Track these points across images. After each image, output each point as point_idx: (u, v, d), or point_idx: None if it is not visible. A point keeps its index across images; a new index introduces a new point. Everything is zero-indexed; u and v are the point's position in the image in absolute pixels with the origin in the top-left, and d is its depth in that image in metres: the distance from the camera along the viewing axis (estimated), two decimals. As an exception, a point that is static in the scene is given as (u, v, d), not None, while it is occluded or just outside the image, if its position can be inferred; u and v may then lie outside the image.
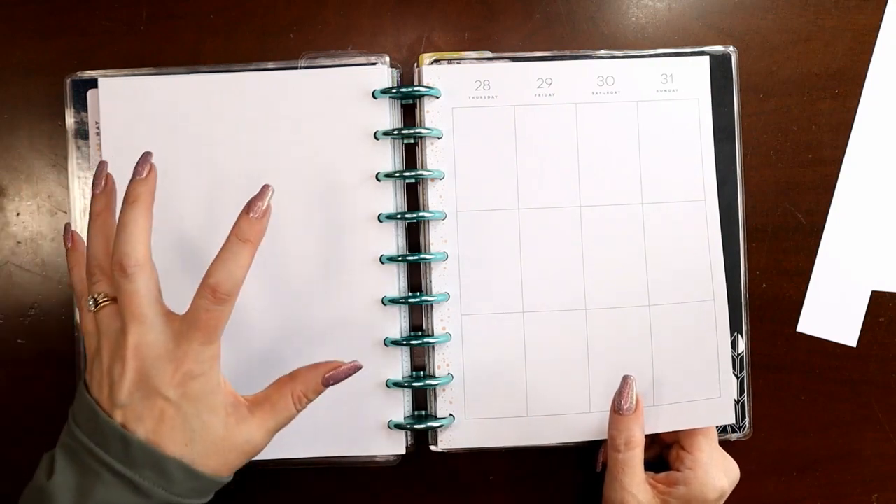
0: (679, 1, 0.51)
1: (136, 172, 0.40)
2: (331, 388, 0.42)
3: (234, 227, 0.39)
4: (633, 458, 0.44)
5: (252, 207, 0.39)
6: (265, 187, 0.39)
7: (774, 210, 0.50)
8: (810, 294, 0.51)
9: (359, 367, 0.41)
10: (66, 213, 0.50)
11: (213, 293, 0.38)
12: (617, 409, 0.45)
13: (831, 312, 0.50)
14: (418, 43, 0.50)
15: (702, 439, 0.47)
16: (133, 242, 0.38)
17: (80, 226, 0.49)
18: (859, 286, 0.51)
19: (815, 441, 0.51)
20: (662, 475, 0.47)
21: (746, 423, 0.49)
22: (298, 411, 0.41)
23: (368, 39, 0.50)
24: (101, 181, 0.41)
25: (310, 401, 0.41)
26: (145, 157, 0.41)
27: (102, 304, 0.39)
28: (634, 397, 0.45)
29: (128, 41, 0.50)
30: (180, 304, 0.40)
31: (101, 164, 0.42)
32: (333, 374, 0.41)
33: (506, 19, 0.51)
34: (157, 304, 0.39)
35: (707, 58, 0.48)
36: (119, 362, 0.38)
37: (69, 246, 0.43)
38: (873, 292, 0.51)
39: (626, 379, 0.45)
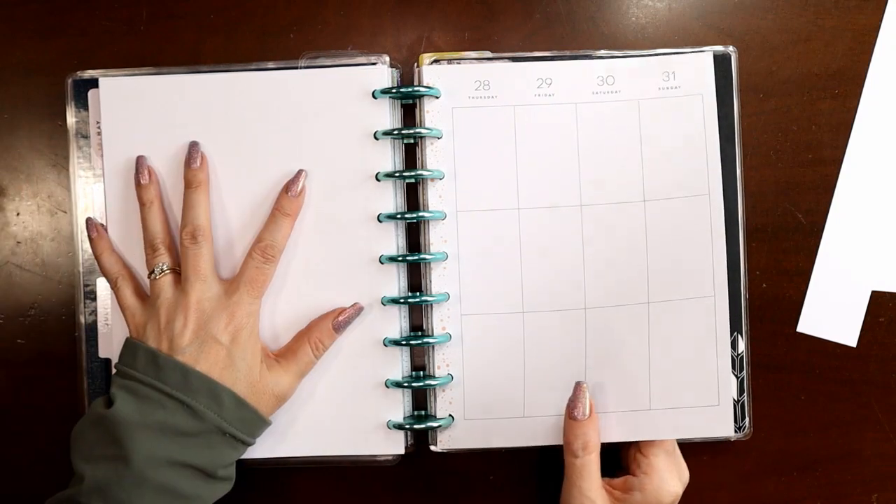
0: (679, 1, 0.51)
1: (190, 161, 0.47)
2: (331, 388, 0.45)
3: (276, 203, 0.47)
4: (591, 462, 0.45)
5: (290, 188, 0.46)
6: (300, 171, 0.47)
7: (774, 210, 0.50)
8: (810, 294, 0.51)
9: (361, 309, 0.47)
10: (66, 212, 0.51)
11: (263, 253, 0.46)
12: (571, 415, 0.45)
13: (831, 312, 0.50)
14: (418, 43, 0.50)
15: (658, 444, 0.47)
16: (201, 217, 0.46)
17: (82, 225, 0.49)
18: (859, 286, 0.51)
19: (815, 441, 0.51)
20: (619, 480, 0.47)
21: (746, 423, 0.49)
22: (317, 357, 0.47)
23: (368, 39, 0.50)
24: (145, 173, 0.47)
25: (325, 347, 0.47)
26: (194, 146, 0.47)
27: (165, 273, 0.46)
28: (588, 403, 0.45)
29: (128, 41, 0.50)
30: None
31: (140, 159, 0.47)
32: (340, 320, 0.46)
33: (506, 19, 0.51)
34: (214, 267, 0.46)
35: (711, 53, 0.48)
36: (181, 316, 0.44)
37: (94, 235, 0.48)
38: (873, 292, 0.51)
39: (578, 385, 0.46)
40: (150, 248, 0.46)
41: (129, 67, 0.49)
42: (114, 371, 0.46)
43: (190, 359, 0.43)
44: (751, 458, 0.51)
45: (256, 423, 0.44)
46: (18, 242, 0.51)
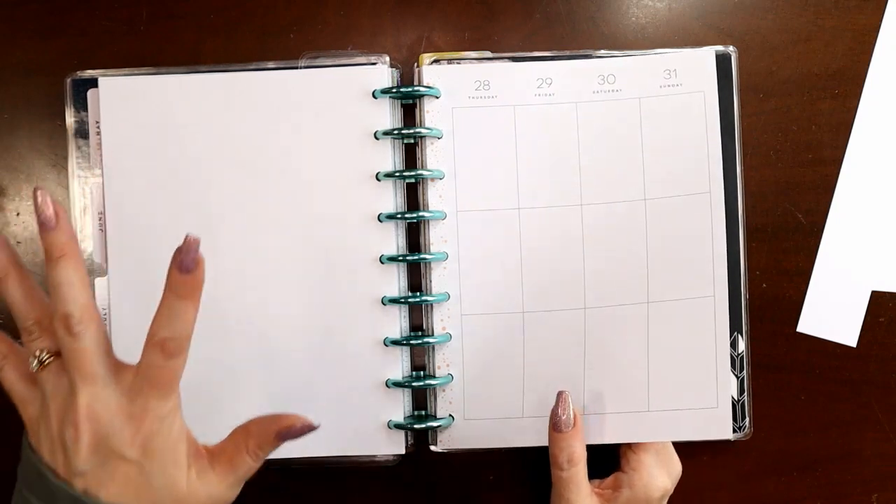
0: (679, 1, 0.51)
1: (44, 224, 0.36)
2: (331, 388, 0.44)
3: (167, 282, 0.36)
4: (577, 473, 0.44)
5: (181, 263, 0.36)
6: (188, 239, 0.36)
7: (774, 210, 0.50)
8: (810, 294, 0.51)
9: (314, 427, 0.38)
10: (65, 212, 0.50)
11: (163, 350, 0.36)
12: (555, 427, 0.44)
13: (831, 312, 0.50)
14: (418, 43, 0.50)
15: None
16: (73, 298, 0.36)
17: (81, 224, 0.49)
18: (859, 286, 0.51)
19: (815, 441, 0.51)
20: (608, 479, 0.47)
21: (746, 423, 0.49)
22: (258, 463, 0.39)
23: (368, 39, 0.50)
24: (51, 211, 0.36)
25: (266, 454, 0.38)
26: (40, 197, 0.36)
27: (46, 362, 0.37)
28: (572, 413, 0.44)
29: (128, 41, 0.50)
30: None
31: (37, 191, 0.37)
32: (288, 431, 0.38)
33: (506, 19, 0.51)
34: (107, 358, 0.36)
35: (712, 51, 0.48)
36: (71, 427, 0.35)
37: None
38: (873, 292, 0.50)
39: (561, 394, 0.45)
40: (25, 332, 0.37)
41: (128, 67, 0.49)
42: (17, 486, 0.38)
43: (93, 483, 0.35)
44: (751, 458, 0.51)
45: None
46: (18, 242, 0.51)
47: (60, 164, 0.51)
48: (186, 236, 0.36)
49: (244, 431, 0.38)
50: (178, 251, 0.36)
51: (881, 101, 0.50)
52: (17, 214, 0.51)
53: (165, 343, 0.36)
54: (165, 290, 0.36)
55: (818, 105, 0.51)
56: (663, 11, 0.51)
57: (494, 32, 0.50)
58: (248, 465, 0.38)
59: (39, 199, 0.36)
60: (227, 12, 0.51)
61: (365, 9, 0.51)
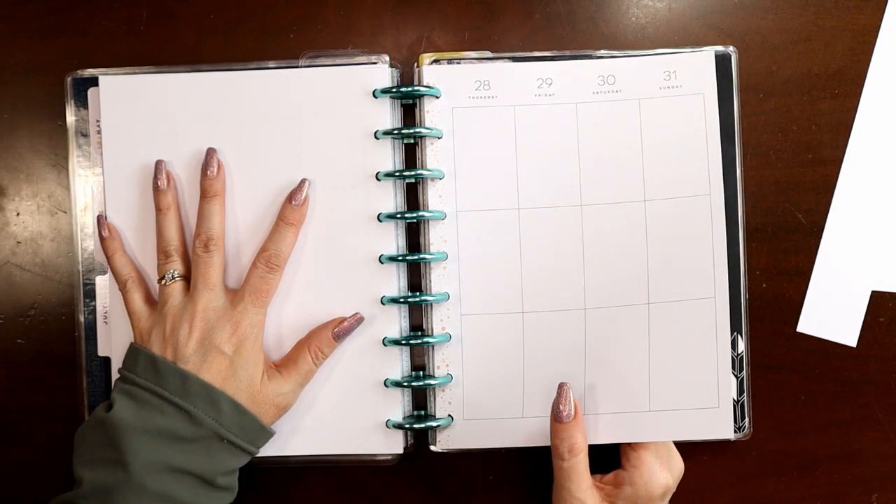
0: (679, 1, 0.51)
1: (206, 168, 0.47)
2: (331, 387, 0.46)
3: (280, 212, 0.47)
4: (578, 464, 0.45)
5: (294, 197, 0.46)
6: (303, 181, 0.47)
7: (774, 210, 0.50)
8: (810, 294, 0.51)
9: (361, 319, 0.47)
10: (66, 212, 0.51)
11: (267, 262, 0.46)
12: (556, 417, 0.45)
13: (831, 312, 0.50)
14: (418, 43, 0.50)
15: None
16: (215, 227, 0.46)
17: (83, 222, 0.49)
18: (859, 286, 0.50)
19: (815, 441, 0.51)
20: (609, 476, 0.47)
21: (746, 423, 0.49)
22: (317, 365, 0.47)
23: (368, 39, 0.51)
24: (163, 177, 0.47)
25: (325, 355, 0.47)
26: (211, 153, 0.47)
27: (175, 280, 0.46)
28: (572, 404, 0.45)
29: (128, 41, 0.50)
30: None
31: (160, 163, 0.47)
32: (340, 329, 0.46)
33: (506, 19, 0.51)
34: (223, 277, 0.46)
35: (712, 52, 0.48)
36: (186, 324, 0.44)
37: (106, 235, 0.47)
38: (873, 292, 0.50)
39: (562, 386, 0.45)
40: (162, 253, 0.47)
41: (128, 67, 0.49)
42: (116, 376, 0.46)
43: (193, 367, 0.43)
44: (751, 458, 0.51)
45: (256, 430, 0.44)
46: (18, 242, 0.51)
47: (60, 164, 0.51)
48: (302, 179, 0.47)
49: (306, 339, 0.47)
50: (294, 190, 0.46)
51: (881, 101, 0.50)
52: (17, 214, 0.51)
53: (271, 257, 0.46)
54: (278, 218, 0.47)
55: (818, 105, 0.51)
56: (663, 11, 0.51)
57: (494, 32, 0.50)
58: (310, 366, 0.46)
59: (209, 157, 0.47)
60: (227, 12, 0.51)
61: (365, 9, 0.51)
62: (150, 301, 0.47)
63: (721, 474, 0.51)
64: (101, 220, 0.47)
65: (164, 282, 0.46)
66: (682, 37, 0.50)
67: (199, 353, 0.44)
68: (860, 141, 0.50)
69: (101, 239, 0.47)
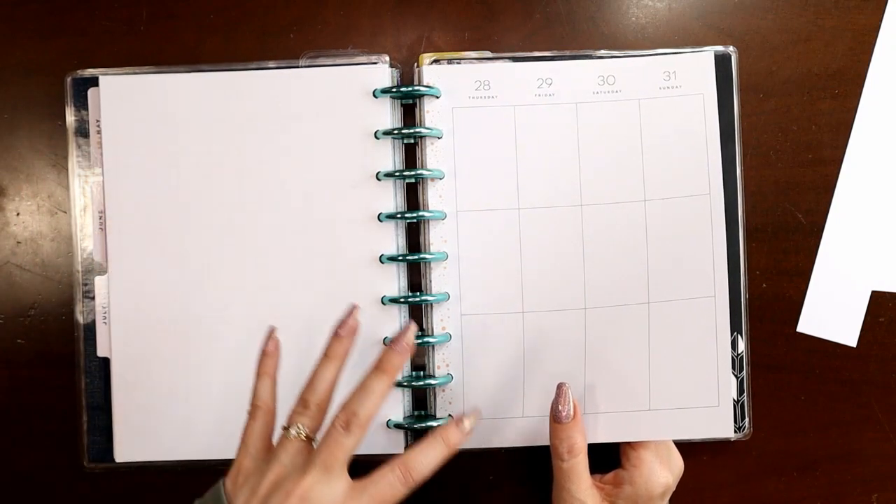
0: (679, 1, 0.51)
1: (395, 344, 0.42)
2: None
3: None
4: (578, 464, 0.44)
5: (344, 328, 0.42)
6: (354, 308, 0.43)
7: (774, 210, 0.50)
8: (810, 294, 0.51)
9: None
10: (65, 212, 0.51)
11: (404, 477, 0.39)
12: (556, 418, 0.45)
13: (831, 312, 0.50)
14: (418, 43, 0.50)
15: None
16: (369, 405, 0.40)
17: (81, 223, 0.49)
18: (859, 286, 0.51)
19: (815, 441, 0.51)
20: (609, 475, 0.47)
21: (746, 423, 0.49)
22: (406, 486, 0.40)
23: (368, 39, 0.51)
24: (349, 324, 0.43)
25: (417, 481, 0.40)
26: (353, 317, 0.43)
27: (300, 436, 0.41)
28: (572, 404, 0.45)
29: (128, 41, 0.50)
30: (178, 296, 0.43)
31: (353, 308, 0.43)
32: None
33: (506, 19, 0.51)
34: (346, 465, 0.40)
35: (711, 53, 0.49)
36: (282, 495, 0.38)
37: (269, 349, 0.44)
38: (873, 292, 0.50)
39: (561, 386, 0.45)
40: (301, 402, 0.42)
41: (128, 67, 0.49)
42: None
43: None
44: (751, 458, 0.51)
45: None
46: (18, 242, 0.51)
47: (60, 163, 0.51)
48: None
49: (394, 462, 0.40)
50: (388, 361, 0.41)
51: (881, 101, 0.50)
52: (17, 214, 0.51)
53: (350, 417, 0.40)
54: (374, 378, 0.41)
55: (818, 105, 0.51)
56: (663, 11, 0.51)
57: (494, 32, 0.50)
58: (396, 490, 0.40)
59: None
60: (227, 12, 0.51)
61: (365, 9, 0.51)
62: (266, 438, 0.42)
63: (721, 474, 0.51)
64: (271, 335, 0.43)
65: (287, 434, 0.41)
66: (682, 37, 0.50)
67: None
68: (860, 141, 0.50)
69: (263, 352, 0.43)
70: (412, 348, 0.42)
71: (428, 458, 0.40)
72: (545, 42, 0.50)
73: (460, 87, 0.48)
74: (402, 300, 0.47)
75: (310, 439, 0.41)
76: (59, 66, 0.50)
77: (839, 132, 0.50)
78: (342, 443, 0.39)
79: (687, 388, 0.48)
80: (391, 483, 0.39)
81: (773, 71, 0.50)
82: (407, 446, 0.48)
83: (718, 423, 0.48)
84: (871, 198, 0.50)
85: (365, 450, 0.47)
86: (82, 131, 0.49)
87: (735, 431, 0.48)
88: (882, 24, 0.51)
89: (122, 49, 0.50)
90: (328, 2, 0.51)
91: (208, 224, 0.48)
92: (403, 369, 0.48)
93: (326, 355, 0.42)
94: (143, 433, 0.48)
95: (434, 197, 0.48)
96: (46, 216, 0.51)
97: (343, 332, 0.42)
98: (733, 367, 0.48)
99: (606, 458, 0.48)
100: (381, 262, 0.47)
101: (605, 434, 0.48)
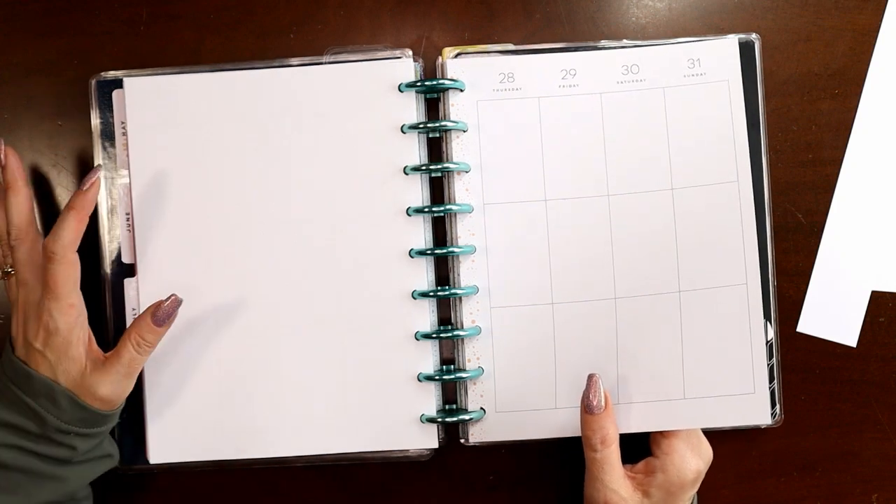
0: (679, 1, 0.51)
1: (82, 185, 0.44)
2: (364, 383, 0.47)
3: (70, 202, 0.44)
4: (611, 455, 0.45)
5: (84, 182, 0.44)
6: (95, 168, 0.45)
7: (774, 210, 0.50)
8: (810, 294, 0.51)
9: (180, 301, 0.45)
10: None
11: (45, 254, 0.43)
12: (587, 409, 0.45)
13: (831, 312, 0.50)
14: (418, 43, 0.50)
15: None
16: (13, 221, 0.45)
17: (108, 225, 0.49)
18: (859, 286, 0.51)
19: (815, 441, 0.51)
20: (640, 464, 0.47)
21: (778, 410, 0.49)
22: (141, 354, 0.45)
23: (368, 39, 0.50)
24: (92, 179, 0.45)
25: (149, 343, 0.45)
26: (1, 146, 0.45)
27: (9, 272, 0.45)
28: (603, 395, 0.45)
29: (128, 41, 0.50)
30: (208, 296, 0.46)
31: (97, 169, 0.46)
32: (159, 313, 0.44)
33: (506, 19, 0.51)
34: (36, 270, 0.45)
35: (736, 40, 0.49)
36: (14, 318, 0.45)
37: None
38: (873, 292, 0.51)
39: (591, 377, 0.45)
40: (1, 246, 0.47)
41: (128, 68, 0.49)
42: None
43: (31, 361, 0.44)
44: (751, 458, 0.51)
45: (98, 418, 0.44)
46: (18, 242, 0.51)
47: (60, 163, 0.50)
48: (97, 166, 0.46)
49: (128, 328, 0.45)
50: (86, 177, 0.44)
51: (881, 101, 0.50)
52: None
53: (46, 248, 0.43)
54: (65, 207, 0.44)
55: (818, 105, 0.51)
56: (663, 11, 0.51)
57: (494, 32, 0.50)
58: (131, 356, 0.44)
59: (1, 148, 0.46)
60: (227, 12, 0.50)
61: (365, 9, 0.51)
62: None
63: (721, 474, 0.51)
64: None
65: (2, 276, 0.46)
66: (681, 37, 0.50)
67: (24, 349, 0.44)
68: (860, 141, 0.50)
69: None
70: (96, 184, 0.44)
71: (58, 230, 0.43)
72: (545, 42, 0.50)
73: (484, 80, 0.48)
74: (432, 294, 0.47)
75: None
76: (59, 66, 0.50)
77: (839, 132, 0.50)
78: (51, 270, 0.43)
79: (721, 376, 0.48)
80: (46, 268, 0.43)
81: (773, 71, 0.50)
82: (440, 441, 0.48)
83: (755, 410, 0.48)
84: (871, 198, 0.50)
85: (401, 445, 0.48)
86: (107, 134, 0.49)
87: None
88: (882, 24, 0.51)
89: (122, 49, 0.50)
90: (328, 2, 0.51)
91: (236, 223, 0.48)
92: (434, 362, 0.48)
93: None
94: (176, 434, 0.48)
95: (461, 190, 0.48)
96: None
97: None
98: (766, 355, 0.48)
99: (635, 447, 0.48)
100: (411, 257, 0.47)
101: (639, 423, 0.48)
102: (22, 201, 0.45)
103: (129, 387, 0.45)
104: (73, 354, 0.44)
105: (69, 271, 0.44)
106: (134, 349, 0.44)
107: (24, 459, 0.43)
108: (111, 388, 0.44)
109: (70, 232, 0.43)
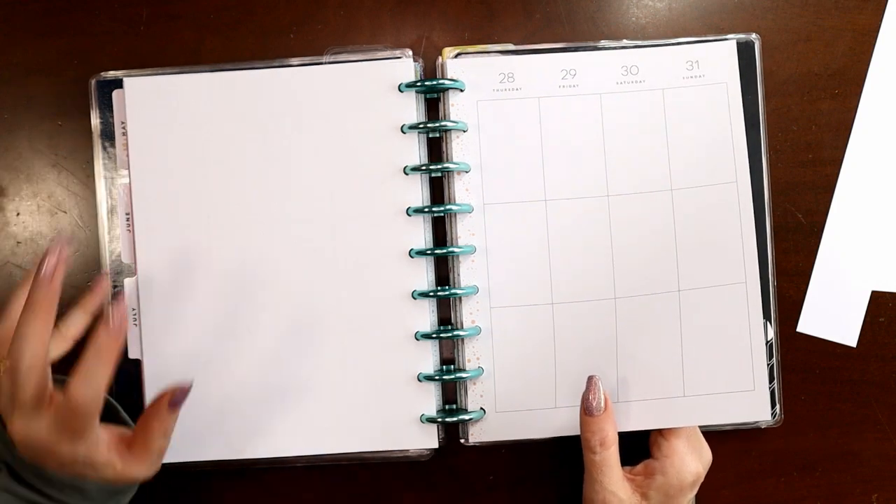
0: (679, 1, 0.51)
1: (45, 265, 0.38)
2: (362, 384, 0.47)
3: (93, 342, 0.38)
4: (610, 457, 0.45)
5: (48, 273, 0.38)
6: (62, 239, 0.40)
7: (774, 210, 0.50)
8: (810, 294, 0.51)
9: (189, 387, 0.42)
10: (66, 212, 0.50)
11: (75, 404, 0.38)
12: (587, 410, 0.45)
13: (831, 312, 0.50)
14: (418, 43, 0.50)
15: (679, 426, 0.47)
16: (18, 350, 0.38)
17: (107, 226, 0.49)
18: (859, 286, 0.51)
19: (815, 441, 0.51)
20: (640, 466, 0.47)
21: (777, 410, 0.49)
22: (166, 440, 0.42)
23: (368, 39, 0.50)
24: (54, 260, 0.39)
25: (171, 428, 0.42)
26: (55, 248, 0.39)
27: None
28: (603, 396, 0.45)
29: (128, 41, 0.50)
30: (208, 296, 0.46)
31: (61, 242, 0.40)
32: (173, 401, 0.41)
33: (506, 19, 0.51)
34: (41, 402, 0.38)
35: (734, 42, 0.49)
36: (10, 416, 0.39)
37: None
38: (873, 292, 0.51)
39: (591, 379, 0.45)
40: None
41: (128, 68, 0.49)
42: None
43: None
44: (751, 458, 0.51)
45: (132, 488, 0.43)
46: (18, 242, 0.51)
47: (60, 163, 0.51)
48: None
49: (145, 418, 0.41)
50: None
51: (881, 101, 0.50)
52: (17, 214, 0.51)
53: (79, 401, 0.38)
54: (89, 347, 0.38)
55: (818, 105, 0.51)
56: (663, 11, 0.51)
57: (494, 32, 0.50)
58: (160, 443, 0.42)
59: (53, 251, 0.39)
60: (227, 12, 0.50)
61: (365, 9, 0.51)
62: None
63: (721, 474, 0.51)
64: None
65: None
66: (681, 37, 0.50)
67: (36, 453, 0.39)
68: (860, 141, 0.50)
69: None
70: (63, 264, 0.39)
71: (90, 378, 0.38)
72: (545, 42, 0.50)
73: (484, 80, 0.48)
74: (432, 294, 0.47)
75: None
76: (59, 66, 0.50)
77: (839, 132, 0.51)
78: (80, 415, 0.38)
79: (721, 374, 0.48)
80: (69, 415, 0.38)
81: (773, 71, 0.50)
82: (440, 441, 0.48)
83: (755, 408, 0.48)
84: (871, 198, 0.50)
85: (401, 445, 0.48)
86: (107, 134, 0.49)
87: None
88: (882, 24, 0.51)
89: (122, 49, 0.50)
90: (328, 2, 0.51)
91: (237, 223, 0.48)
92: (434, 362, 0.48)
93: (29, 305, 0.38)
94: (176, 434, 0.48)
95: (461, 190, 0.48)
96: (46, 216, 0.51)
97: (48, 271, 0.38)
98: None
99: (634, 449, 0.48)
100: (411, 257, 0.47)
101: (639, 421, 0.48)
102: (42, 330, 0.38)
103: (163, 458, 0.43)
104: (102, 462, 0.40)
105: (96, 411, 0.39)
106: (161, 437, 0.41)
107: None
108: (150, 470, 0.42)
109: (108, 380, 0.38)
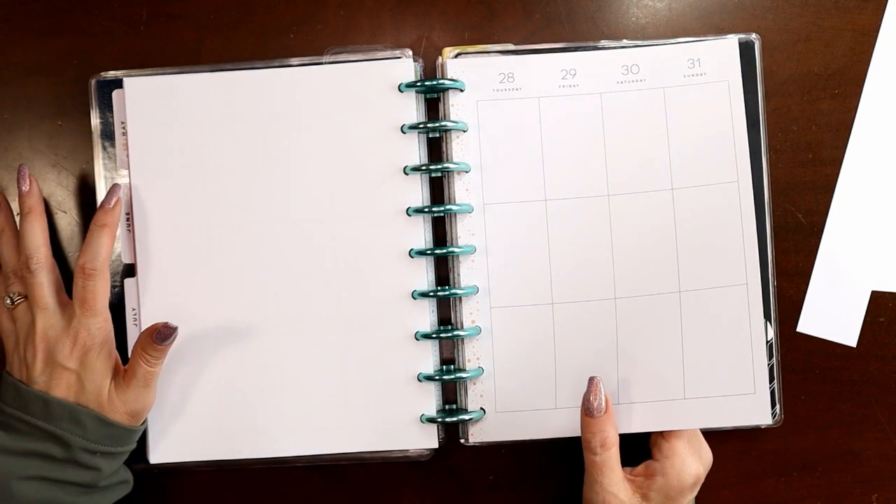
0: (679, 1, 0.51)
1: (20, 183, 0.46)
2: (364, 383, 0.47)
3: (93, 217, 0.46)
4: (610, 458, 0.45)
5: (108, 199, 0.46)
6: (114, 186, 0.47)
7: (774, 210, 0.50)
8: (810, 294, 0.51)
9: (174, 327, 0.45)
10: (66, 212, 0.50)
11: (83, 271, 0.45)
12: (588, 411, 0.45)
13: (831, 312, 0.50)
14: (418, 43, 0.50)
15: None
16: (33, 245, 0.46)
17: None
18: (859, 286, 0.51)
19: (815, 441, 0.51)
20: (640, 468, 0.47)
21: (778, 411, 0.49)
22: (152, 367, 0.46)
23: (368, 39, 0.50)
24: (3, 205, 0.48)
25: (155, 357, 0.45)
26: (22, 169, 0.47)
27: (18, 302, 0.46)
28: (604, 397, 0.45)
29: (128, 41, 0.50)
30: (207, 296, 0.46)
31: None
32: (156, 334, 0.45)
33: (506, 19, 0.51)
34: (57, 294, 0.46)
35: (736, 40, 0.49)
36: (31, 346, 0.45)
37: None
38: (873, 292, 0.51)
39: (592, 380, 0.45)
40: (3, 277, 0.47)
41: (128, 68, 0.49)
42: None
43: (44, 387, 0.44)
44: (751, 458, 0.51)
45: (124, 434, 0.45)
46: (18, 242, 0.51)
47: (60, 163, 0.51)
48: (113, 185, 0.47)
49: (134, 344, 0.46)
50: (107, 194, 0.46)
51: (881, 101, 0.50)
52: (17, 214, 0.51)
53: (84, 265, 0.45)
54: (91, 223, 0.46)
55: (818, 105, 0.51)
56: (663, 11, 0.51)
57: (494, 32, 0.50)
58: (144, 369, 0.45)
59: (21, 173, 0.46)
60: (227, 12, 0.50)
61: (364, 9, 0.51)
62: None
63: (721, 474, 0.51)
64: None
65: (10, 305, 0.46)
66: (681, 37, 0.50)
67: (47, 373, 0.44)
68: (860, 141, 0.50)
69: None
70: (119, 203, 0.46)
71: (93, 247, 0.45)
72: (545, 42, 0.50)
73: (484, 80, 0.48)
74: (432, 294, 0.47)
75: (25, 296, 0.46)
76: (59, 66, 0.50)
77: (839, 132, 0.51)
78: (89, 286, 0.45)
79: (721, 376, 0.48)
80: (81, 285, 0.45)
81: (773, 71, 0.50)
82: (440, 441, 0.48)
83: (755, 411, 0.48)
84: (871, 198, 0.50)
85: (399, 444, 0.48)
86: (107, 134, 0.49)
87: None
88: (882, 24, 0.51)
89: (122, 49, 0.50)
90: (328, 2, 0.51)
91: (237, 223, 0.48)
92: (434, 362, 0.48)
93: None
94: (176, 434, 0.48)
95: (461, 190, 0.48)
96: (46, 216, 0.51)
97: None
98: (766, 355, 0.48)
99: (635, 450, 0.48)
100: (411, 257, 0.47)
101: (640, 423, 0.48)
102: (43, 227, 0.46)
103: (151, 397, 0.46)
104: (106, 369, 0.45)
105: (105, 287, 0.45)
106: (145, 364, 0.45)
107: (47, 490, 0.43)
108: (135, 401, 0.45)
109: (105, 248, 0.45)
